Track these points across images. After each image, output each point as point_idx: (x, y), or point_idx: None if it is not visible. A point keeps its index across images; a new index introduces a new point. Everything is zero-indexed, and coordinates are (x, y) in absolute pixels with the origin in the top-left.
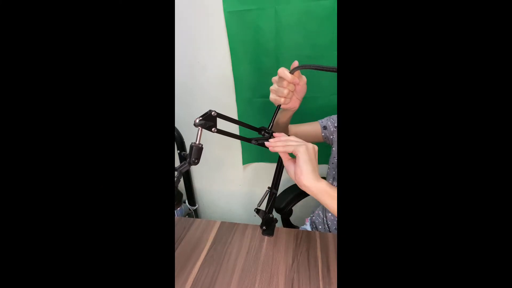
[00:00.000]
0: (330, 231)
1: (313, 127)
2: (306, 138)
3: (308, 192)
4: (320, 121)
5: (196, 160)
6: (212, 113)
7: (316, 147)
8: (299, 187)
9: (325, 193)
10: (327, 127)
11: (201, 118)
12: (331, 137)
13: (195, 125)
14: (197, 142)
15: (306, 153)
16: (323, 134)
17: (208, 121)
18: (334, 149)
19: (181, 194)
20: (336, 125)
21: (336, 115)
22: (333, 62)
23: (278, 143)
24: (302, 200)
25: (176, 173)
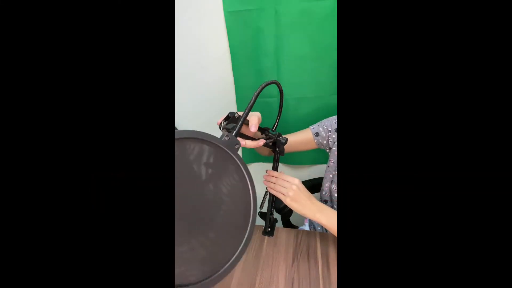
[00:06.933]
0: (327, 231)
1: (305, 135)
2: (299, 147)
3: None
4: (311, 127)
5: None
6: (235, 115)
7: (299, 187)
8: None
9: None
10: (319, 133)
11: (227, 122)
12: (325, 142)
13: (222, 128)
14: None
15: (290, 200)
16: (315, 140)
17: (233, 122)
18: (332, 151)
19: None
20: (329, 129)
21: (327, 119)
22: (333, 62)
23: (271, 180)
24: None
25: None
